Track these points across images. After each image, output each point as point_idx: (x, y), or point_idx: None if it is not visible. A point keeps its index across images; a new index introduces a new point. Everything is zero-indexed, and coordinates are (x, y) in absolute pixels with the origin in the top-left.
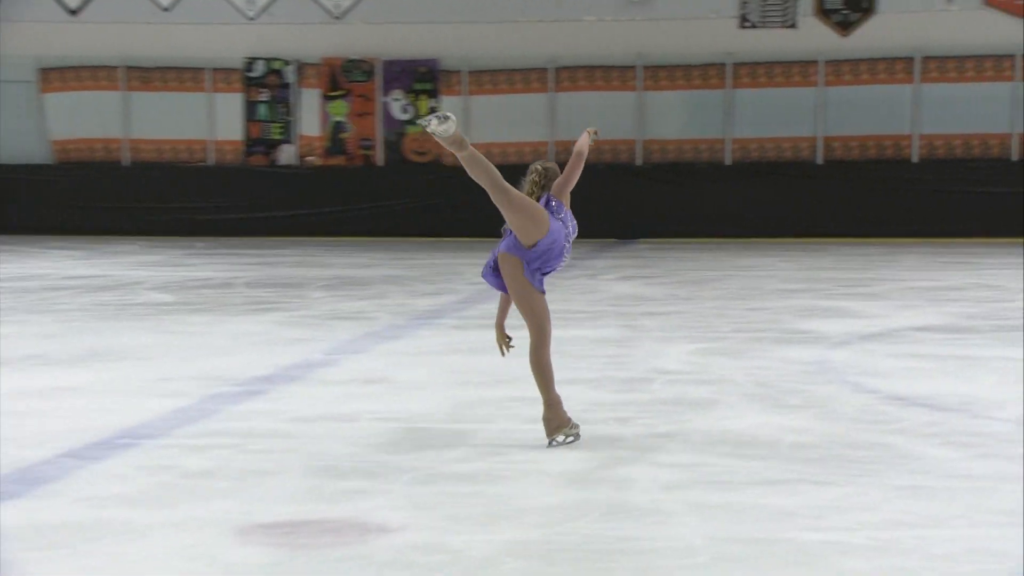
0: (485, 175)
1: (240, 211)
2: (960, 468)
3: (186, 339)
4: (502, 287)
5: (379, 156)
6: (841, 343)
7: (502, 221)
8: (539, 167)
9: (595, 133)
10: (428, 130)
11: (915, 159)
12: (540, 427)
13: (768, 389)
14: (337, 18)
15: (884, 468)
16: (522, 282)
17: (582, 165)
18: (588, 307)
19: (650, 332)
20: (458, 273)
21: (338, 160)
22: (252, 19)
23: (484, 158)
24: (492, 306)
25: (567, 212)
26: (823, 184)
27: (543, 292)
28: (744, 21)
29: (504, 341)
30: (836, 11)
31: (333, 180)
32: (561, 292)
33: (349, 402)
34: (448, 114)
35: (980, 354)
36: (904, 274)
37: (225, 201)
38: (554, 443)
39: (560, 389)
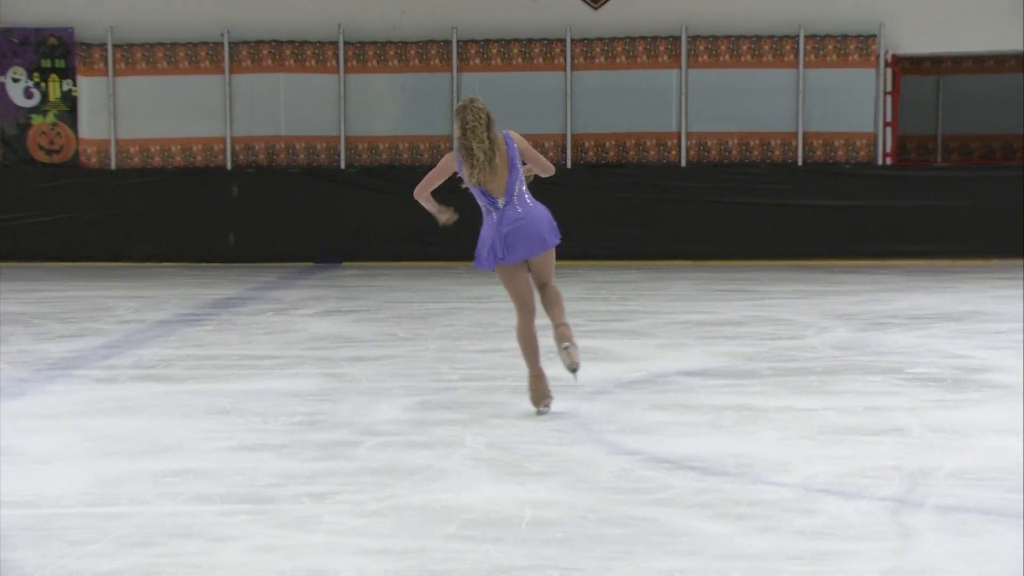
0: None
1: None
2: (736, 545)
3: None
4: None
5: None
6: (594, 393)
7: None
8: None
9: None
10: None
11: (683, 162)
12: (217, 510)
13: (504, 452)
14: None
15: (645, 549)
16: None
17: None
18: (277, 351)
19: (357, 383)
20: (106, 308)
21: None
22: None
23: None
24: (150, 352)
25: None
26: (573, 193)
27: (494, 267)
28: None
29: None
30: None
31: None
32: (242, 332)
33: None
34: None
35: (761, 404)
36: (671, 305)
37: None
38: (541, 411)
39: (237, 456)
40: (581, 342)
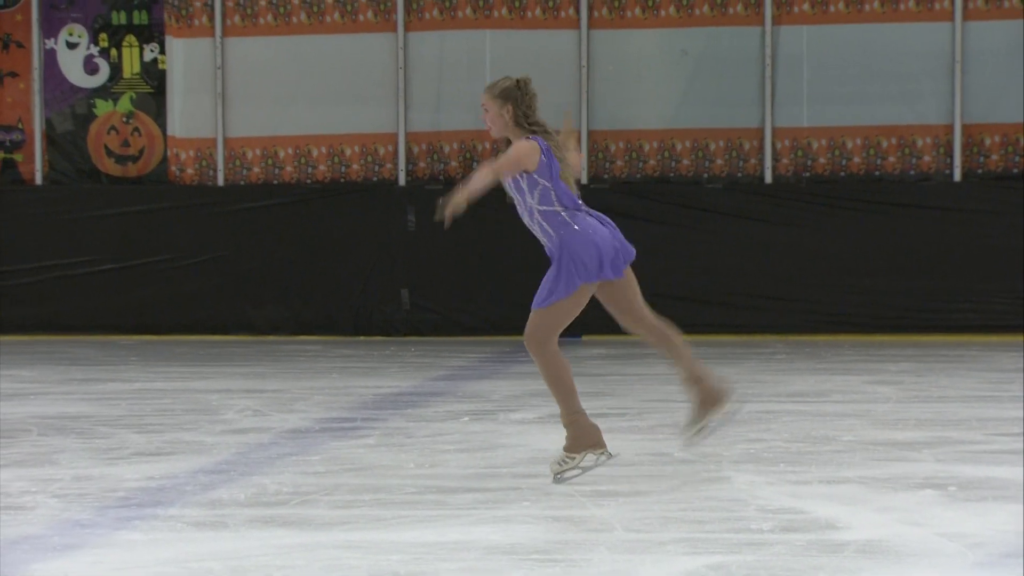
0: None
1: None
2: None
3: None
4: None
5: (37, 163)
6: None
7: None
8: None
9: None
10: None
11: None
12: None
13: None
14: None
15: None
16: None
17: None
18: (479, 480)
19: (608, 532)
20: (208, 409)
21: None
22: None
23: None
24: (276, 480)
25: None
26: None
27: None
28: None
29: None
30: None
31: None
32: (422, 449)
33: None
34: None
35: None
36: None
37: None
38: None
39: None
40: None
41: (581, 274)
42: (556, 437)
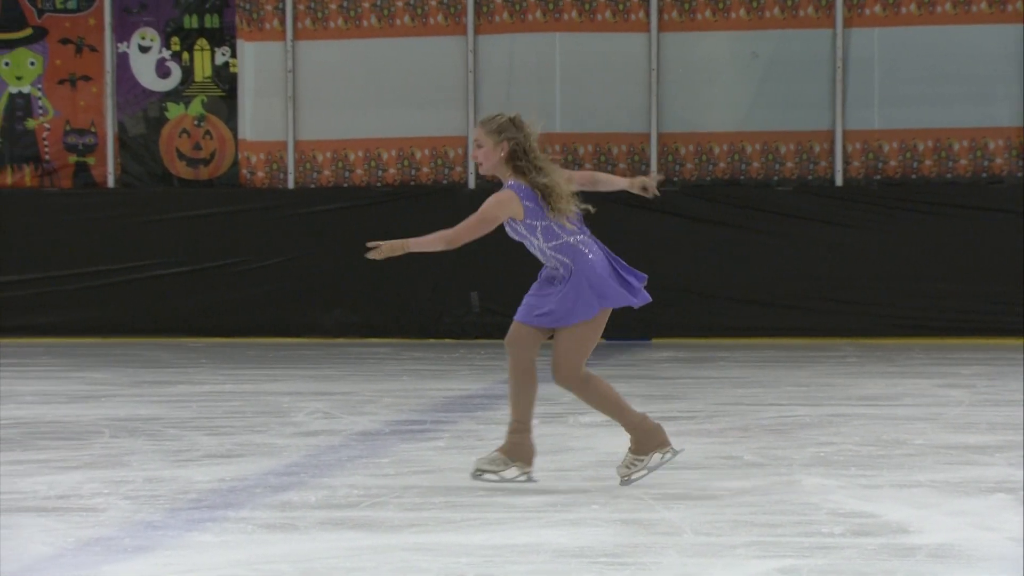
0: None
1: None
2: None
3: None
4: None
5: (110, 166)
6: None
7: None
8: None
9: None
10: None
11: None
12: None
13: None
14: None
15: None
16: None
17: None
18: (551, 482)
19: (678, 535)
20: (278, 412)
21: (23, 177)
22: None
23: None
24: (346, 482)
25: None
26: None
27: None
28: None
29: None
30: None
31: (8, 220)
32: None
33: None
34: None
35: None
36: None
37: None
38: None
39: None
40: None
41: (613, 298)
42: (625, 440)
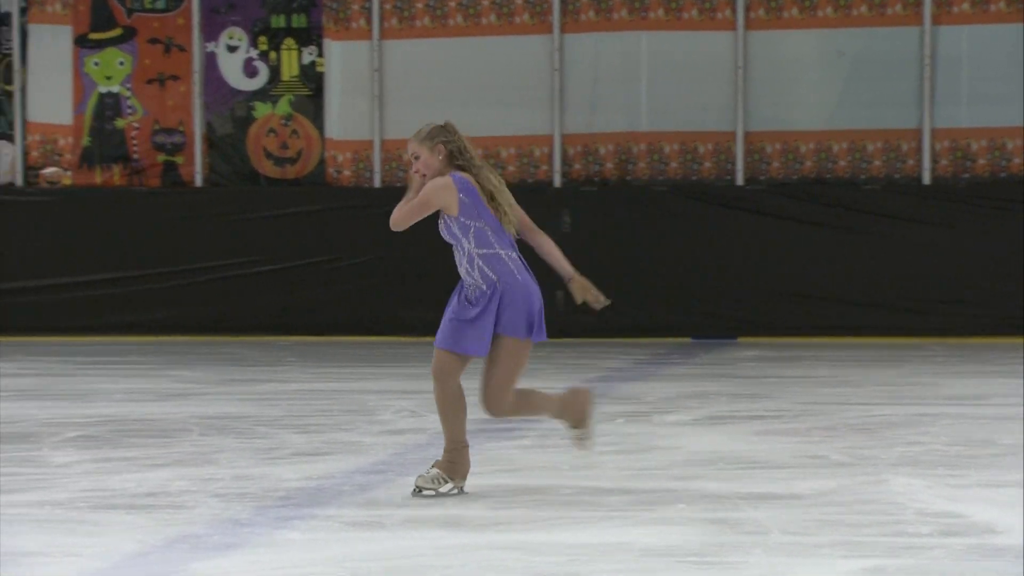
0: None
1: None
2: None
3: None
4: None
5: (197, 165)
6: None
7: None
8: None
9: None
10: None
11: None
12: None
13: None
14: None
15: None
16: None
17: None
18: (632, 481)
19: (764, 535)
20: (365, 410)
21: (112, 176)
22: None
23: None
24: None
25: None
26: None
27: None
28: None
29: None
30: None
31: (97, 219)
32: (578, 451)
33: None
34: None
35: None
36: None
37: None
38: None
39: None
40: None
41: (521, 327)
42: (713, 439)
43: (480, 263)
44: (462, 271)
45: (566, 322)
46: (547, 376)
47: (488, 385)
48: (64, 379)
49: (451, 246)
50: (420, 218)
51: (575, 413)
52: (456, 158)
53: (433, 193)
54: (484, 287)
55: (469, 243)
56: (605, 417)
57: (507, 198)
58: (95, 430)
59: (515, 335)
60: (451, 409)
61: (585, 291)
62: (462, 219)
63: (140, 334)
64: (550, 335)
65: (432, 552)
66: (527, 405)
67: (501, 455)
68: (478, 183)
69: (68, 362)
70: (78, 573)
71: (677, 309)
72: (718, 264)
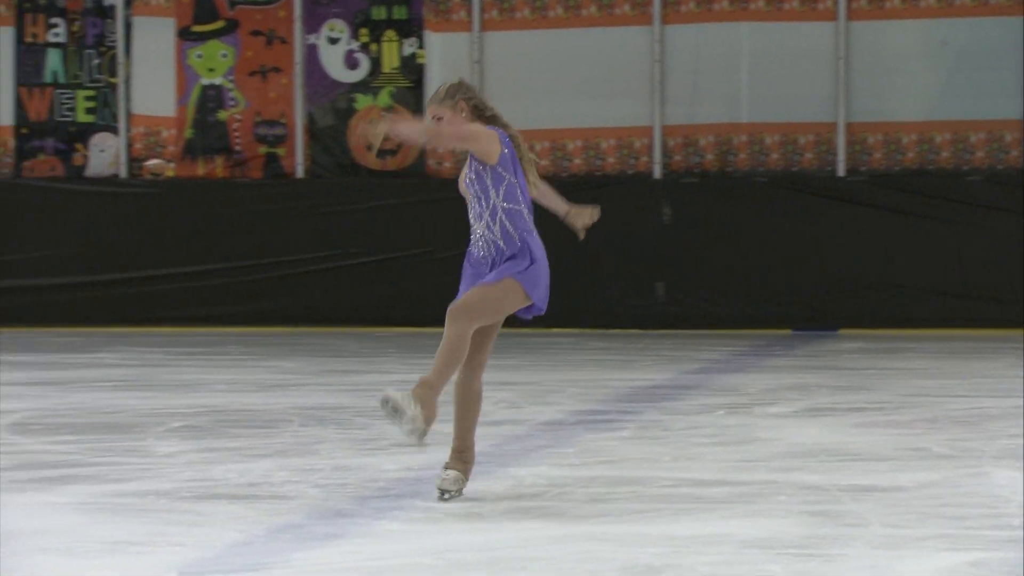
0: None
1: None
2: None
3: None
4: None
5: (299, 157)
6: None
7: None
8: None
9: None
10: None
11: None
12: None
13: None
14: None
15: None
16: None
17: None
18: (735, 474)
19: (865, 527)
20: None
21: (214, 168)
22: None
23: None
24: (531, 472)
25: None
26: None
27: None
28: None
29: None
30: None
31: (200, 210)
32: (677, 443)
33: None
34: None
35: None
36: None
37: None
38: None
39: None
40: None
41: (533, 288)
42: (813, 431)
43: (503, 217)
44: (480, 225)
45: (666, 314)
46: (646, 368)
47: (468, 295)
48: (166, 369)
49: (466, 200)
50: (454, 147)
51: (428, 411)
52: (482, 111)
53: (485, 135)
54: (502, 243)
55: (498, 196)
56: (705, 409)
57: (532, 156)
58: (198, 420)
59: (523, 284)
60: (456, 354)
61: (581, 216)
62: (499, 169)
63: (240, 325)
64: (651, 327)
65: (531, 543)
66: (455, 353)
67: (601, 446)
68: (512, 138)
69: (170, 353)
70: (181, 563)
71: (778, 301)
72: (819, 256)
